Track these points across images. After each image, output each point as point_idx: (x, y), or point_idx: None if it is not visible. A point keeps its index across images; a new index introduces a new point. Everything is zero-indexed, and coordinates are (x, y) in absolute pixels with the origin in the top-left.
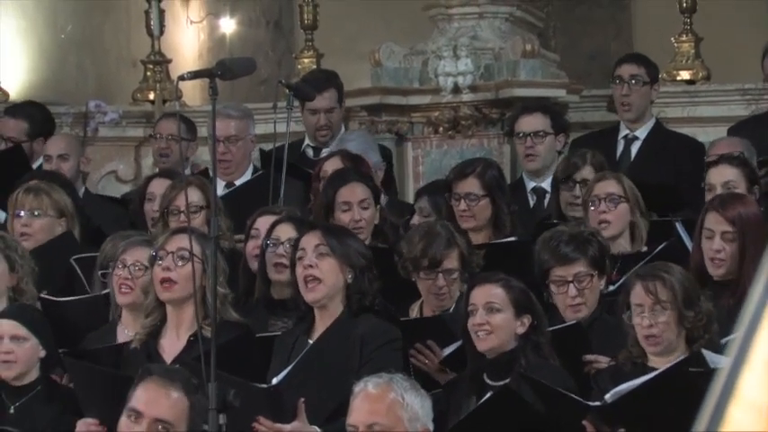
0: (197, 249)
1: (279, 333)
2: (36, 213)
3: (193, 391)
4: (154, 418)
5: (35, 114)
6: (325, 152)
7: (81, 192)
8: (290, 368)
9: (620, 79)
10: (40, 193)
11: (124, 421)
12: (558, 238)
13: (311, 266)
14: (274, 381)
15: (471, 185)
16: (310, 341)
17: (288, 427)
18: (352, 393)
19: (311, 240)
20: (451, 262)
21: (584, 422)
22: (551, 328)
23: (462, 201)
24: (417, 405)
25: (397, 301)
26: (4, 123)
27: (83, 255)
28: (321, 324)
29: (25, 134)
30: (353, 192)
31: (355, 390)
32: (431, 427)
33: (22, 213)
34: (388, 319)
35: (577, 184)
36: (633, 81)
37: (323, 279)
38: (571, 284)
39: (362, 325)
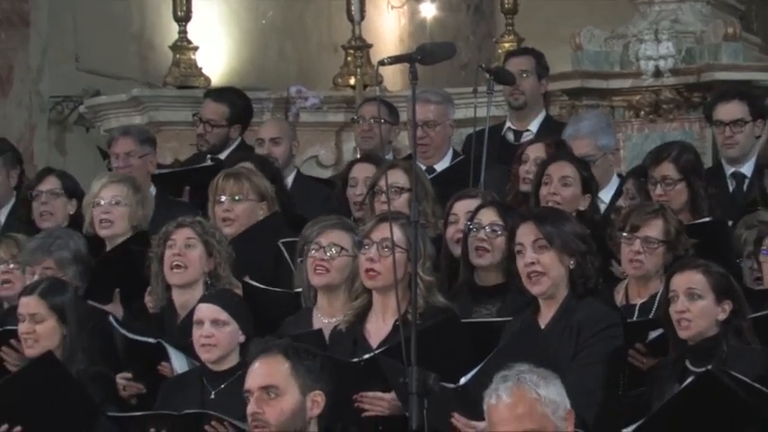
0: (402, 238)
1: (483, 320)
2: (237, 198)
3: (293, 354)
4: (258, 388)
5: (237, 101)
6: (526, 135)
7: (293, 175)
8: (479, 367)
9: None
10: (240, 177)
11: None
12: None
13: (533, 263)
14: (462, 380)
15: (666, 169)
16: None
17: (481, 424)
18: (485, 404)
19: (528, 235)
20: (652, 230)
21: None
22: (760, 314)
23: (659, 185)
24: (554, 393)
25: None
26: (204, 105)
27: (289, 239)
28: (547, 309)
29: (225, 119)
30: (559, 167)
31: (489, 401)
32: (568, 404)
33: (224, 199)
34: (606, 302)
35: None
36: None
37: (546, 272)
38: None
39: (582, 311)
